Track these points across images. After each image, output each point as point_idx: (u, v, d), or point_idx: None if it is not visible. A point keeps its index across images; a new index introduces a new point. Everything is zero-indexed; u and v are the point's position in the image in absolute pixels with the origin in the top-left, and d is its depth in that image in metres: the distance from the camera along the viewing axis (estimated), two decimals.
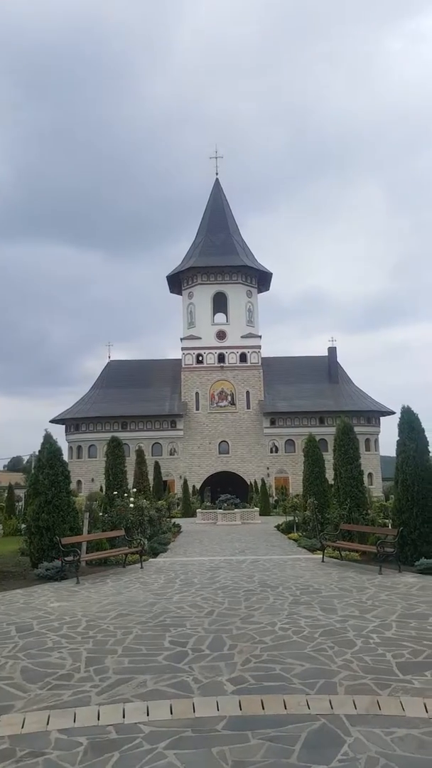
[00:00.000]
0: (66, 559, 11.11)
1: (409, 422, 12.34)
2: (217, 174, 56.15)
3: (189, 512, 35.32)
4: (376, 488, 45.38)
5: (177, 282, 53.04)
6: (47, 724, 4.27)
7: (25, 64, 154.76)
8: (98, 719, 4.35)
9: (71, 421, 49.84)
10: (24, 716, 4.37)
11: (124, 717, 4.39)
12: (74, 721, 4.33)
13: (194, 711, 4.51)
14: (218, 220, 53.64)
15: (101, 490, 28.26)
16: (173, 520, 26.42)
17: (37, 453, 13.42)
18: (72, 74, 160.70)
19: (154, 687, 4.96)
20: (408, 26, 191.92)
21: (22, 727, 4.22)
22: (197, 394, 49.35)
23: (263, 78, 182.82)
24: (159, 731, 4.15)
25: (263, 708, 4.53)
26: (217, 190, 55.65)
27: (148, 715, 4.43)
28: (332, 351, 52.60)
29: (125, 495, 16.93)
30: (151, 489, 28.80)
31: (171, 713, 4.46)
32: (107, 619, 7.55)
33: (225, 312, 51.02)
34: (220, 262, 50.26)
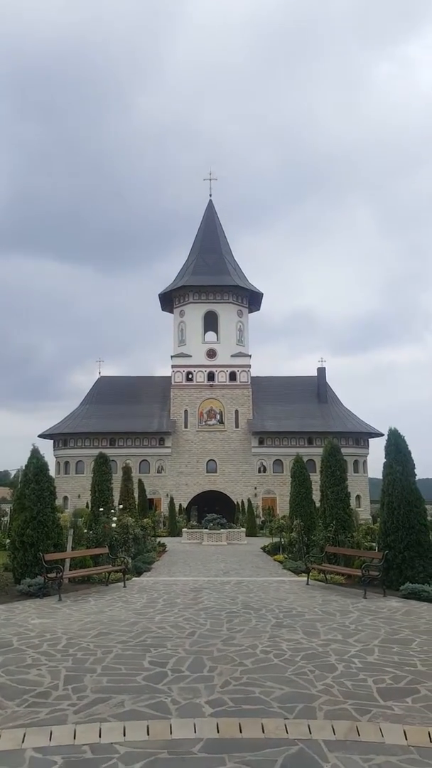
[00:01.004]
0: (49, 575, 10.98)
1: (396, 444, 12.44)
2: (210, 195, 57.11)
3: (175, 531, 35.00)
4: (364, 510, 45.33)
5: (169, 300, 53.42)
6: (23, 741, 4.21)
7: (17, 81, 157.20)
8: (74, 738, 4.30)
9: (59, 437, 49.51)
10: None
11: (100, 736, 4.34)
12: (50, 739, 4.27)
13: (171, 732, 4.46)
14: (211, 240, 54.35)
15: (87, 506, 27.98)
16: (158, 539, 26.17)
17: (23, 468, 13.32)
18: (63, 91, 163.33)
19: (132, 707, 4.91)
20: (397, 52, 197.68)
21: None
22: (186, 411, 49.33)
23: (254, 99, 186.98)
24: (135, 752, 4.10)
25: (241, 731, 4.50)
26: (210, 211, 56.49)
27: (124, 735, 4.38)
28: (321, 371, 52.99)
29: (111, 511, 16.80)
30: (137, 507, 28.57)
31: (147, 734, 4.42)
32: (88, 637, 7.46)
33: (216, 331, 51.36)
34: (212, 281, 50.78)
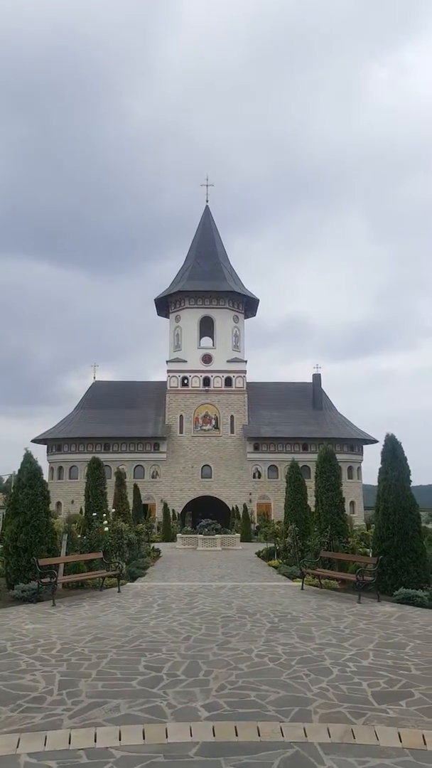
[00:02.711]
0: (42, 580, 10.92)
1: (393, 450, 12.49)
2: (207, 201, 57.33)
3: (169, 537, 34.86)
4: (358, 516, 45.37)
5: (165, 305, 53.48)
6: (17, 747, 4.19)
7: (8, 80, 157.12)
8: (69, 743, 4.29)
9: (53, 442, 49.29)
10: None
11: (95, 741, 4.33)
12: (45, 744, 4.25)
13: (167, 736, 4.46)
14: (207, 246, 54.52)
15: (81, 512, 27.86)
16: (153, 545, 26.06)
17: (17, 472, 13.27)
18: (55, 92, 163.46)
19: (128, 711, 4.90)
20: (393, 57, 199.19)
21: None
22: (181, 417, 49.28)
23: (248, 104, 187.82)
24: (130, 756, 4.10)
25: (237, 734, 4.50)
26: (206, 217, 56.70)
27: (120, 739, 4.37)
28: (317, 378, 53.11)
29: (104, 515, 16.73)
30: (131, 512, 28.47)
31: (143, 738, 4.41)
32: (82, 642, 7.43)
33: (211, 336, 51.45)
34: (208, 287, 50.90)
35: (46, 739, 4.32)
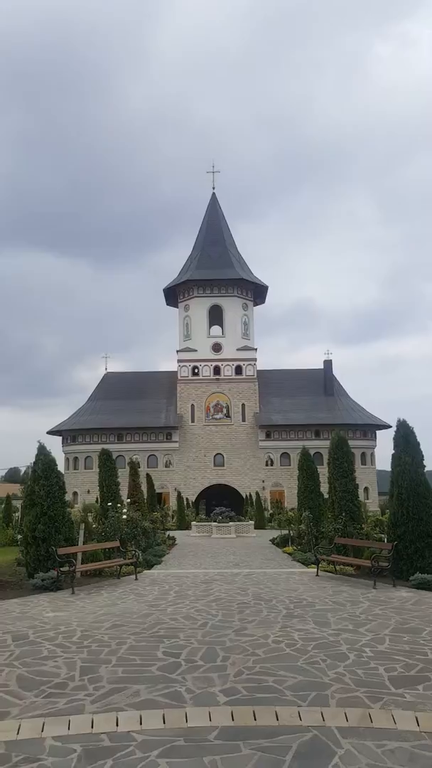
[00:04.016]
0: (61, 569, 11.12)
1: (405, 436, 12.44)
2: (213, 188, 56.86)
3: (184, 525, 35.18)
4: (372, 502, 45.34)
5: (173, 294, 53.39)
6: (42, 731, 4.31)
7: (7, 68, 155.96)
8: (92, 727, 4.39)
9: (68, 433, 49.80)
10: (19, 723, 4.41)
11: (117, 725, 4.43)
12: (68, 728, 4.37)
13: (187, 721, 4.55)
14: (215, 233, 54.18)
15: (97, 501, 28.19)
16: (168, 533, 26.33)
17: (32, 464, 13.45)
18: (56, 79, 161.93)
19: (148, 697, 5.00)
20: (397, 30, 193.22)
21: (18, 734, 4.26)
22: (193, 406, 49.42)
23: (249, 85, 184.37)
24: (152, 740, 4.19)
25: (255, 719, 4.58)
26: (213, 204, 56.28)
27: (141, 724, 4.47)
28: (328, 364, 52.86)
29: (119, 505, 16.91)
30: (146, 501, 28.75)
31: (164, 723, 4.50)
32: (102, 629, 7.58)
33: (221, 325, 51.34)
34: (217, 275, 50.68)
35: (69, 723, 4.44)
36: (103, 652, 6.44)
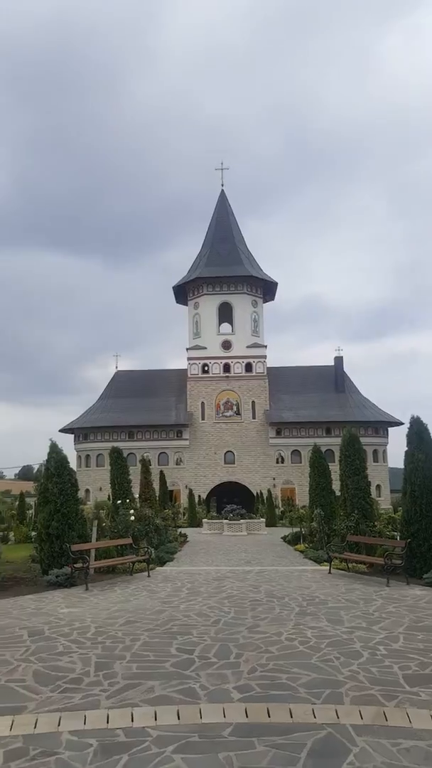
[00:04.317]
0: (75, 566, 11.23)
1: (418, 432, 12.37)
2: (222, 185, 56.78)
3: (195, 522, 35.29)
4: (384, 500, 45.10)
5: (183, 292, 53.47)
6: (59, 725, 4.36)
7: (14, 69, 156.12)
8: (107, 722, 4.44)
9: (80, 431, 50.13)
10: (36, 717, 4.47)
11: (132, 721, 4.47)
12: (84, 723, 4.41)
13: (201, 717, 4.57)
14: (224, 230, 54.13)
15: (109, 498, 28.35)
16: (179, 530, 26.43)
17: (45, 462, 13.57)
18: (62, 77, 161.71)
19: (162, 693, 5.04)
20: (407, 21, 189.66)
21: (35, 728, 4.31)
22: (203, 403, 49.49)
23: (256, 79, 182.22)
24: (167, 735, 4.22)
25: (269, 716, 4.59)
26: (222, 201, 56.21)
27: (156, 719, 4.50)
28: (338, 360, 52.63)
29: (128, 501, 17.00)
30: (157, 498, 28.85)
31: (178, 718, 4.53)
32: (116, 625, 7.64)
33: (230, 322, 51.32)
34: (226, 272, 50.65)
35: (85, 718, 4.48)
36: (117, 648, 6.49)
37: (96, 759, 3.84)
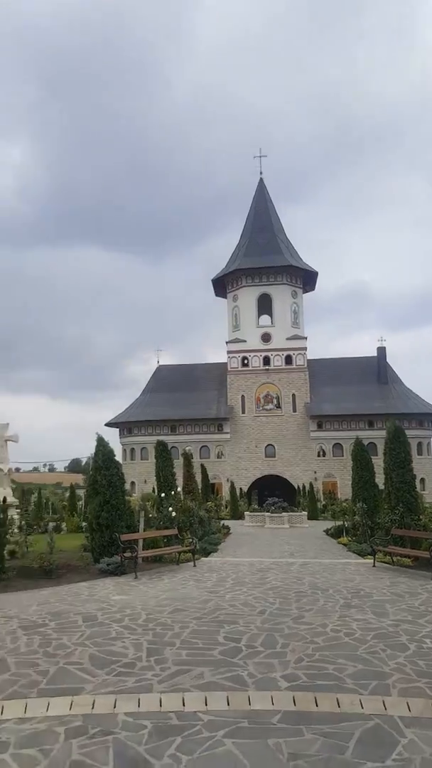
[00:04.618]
0: (125, 555, 11.63)
1: None
2: (261, 173, 56.24)
3: (236, 515, 35.52)
4: (429, 493, 44.00)
5: (222, 285, 53.45)
6: (114, 707, 4.60)
7: (49, 63, 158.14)
8: (160, 706, 4.65)
9: (124, 425, 51.20)
10: (94, 698, 4.73)
11: (184, 705, 4.66)
12: (138, 705, 4.64)
13: (250, 704, 4.72)
14: (262, 219, 53.64)
15: (153, 491, 28.94)
16: (222, 522, 26.70)
17: (93, 455, 14.02)
18: (96, 70, 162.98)
19: (211, 679, 5.21)
20: None
21: (92, 708, 4.57)
22: (243, 397, 49.52)
23: (293, 65, 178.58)
24: (217, 720, 4.39)
25: (317, 705, 4.69)
26: (261, 190, 55.72)
27: (206, 705, 4.68)
28: (381, 351, 51.50)
29: (172, 493, 17.29)
30: (200, 491, 29.22)
31: (228, 704, 4.70)
32: (164, 613, 7.89)
33: (270, 314, 51.00)
34: (265, 262, 50.24)
35: (139, 701, 4.71)
36: (167, 635, 6.73)
37: (151, 740, 4.05)
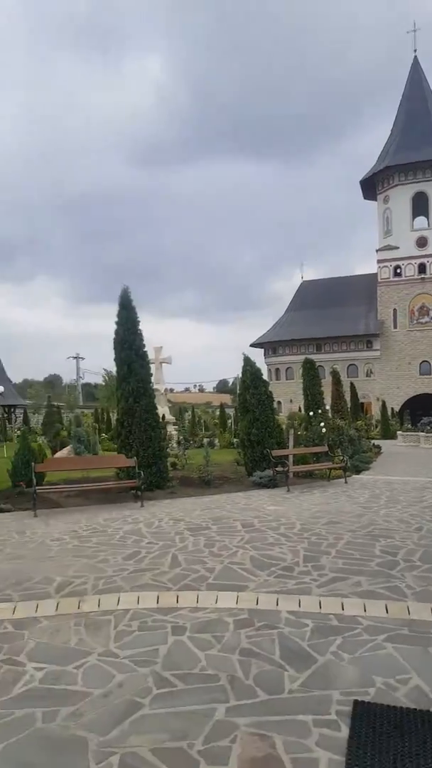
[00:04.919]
0: (277, 469, 12.13)
1: None
2: (415, 51, 48.47)
3: (388, 434, 34.58)
4: None
5: (371, 186, 48.80)
6: (277, 604, 4.96)
7: None
8: (320, 608, 4.88)
9: (269, 345, 51.75)
10: (257, 596, 5.14)
11: (343, 609, 4.84)
12: (299, 605, 4.93)
13: (409, 613, 4.73)
14: (417, 106, 46.91)
15: (299, 410, 29.27)
16: (372, 441, 26.26)
17: (240, 375, 14.47)
18: None
19: (369, 588, 5.30)
20: None
21: (257, 604, 4.98)
22: (395, 311, 46.30)
23: None
24: (376, 626, 4.49)
25: None
26: (415, 70, 48.26)
27: (365, 611, 4.80)
28: None
29: (320, 412, 17.29)
30: (349, 410, 28.81)
31: (386, 612, 4.76)
32: (318, 524, 8.15)
33: (426, 215, 45.70)
34: (421, 156, 44.43)
35: (300, 602, 5.00)
36: (322, 544, 6.96)
37: (313, 637, 4.31)
